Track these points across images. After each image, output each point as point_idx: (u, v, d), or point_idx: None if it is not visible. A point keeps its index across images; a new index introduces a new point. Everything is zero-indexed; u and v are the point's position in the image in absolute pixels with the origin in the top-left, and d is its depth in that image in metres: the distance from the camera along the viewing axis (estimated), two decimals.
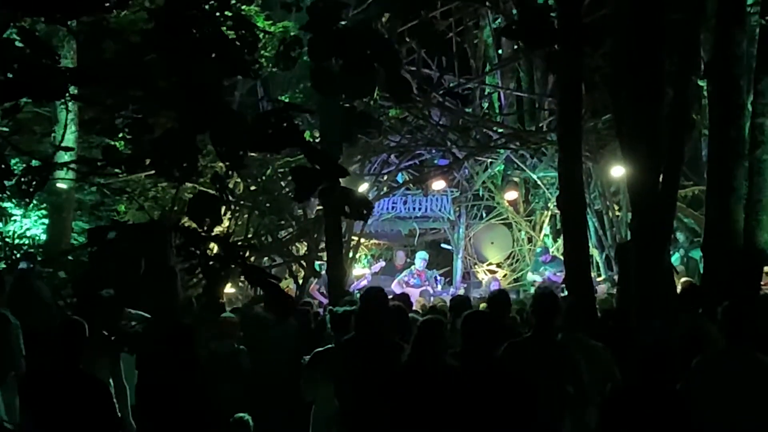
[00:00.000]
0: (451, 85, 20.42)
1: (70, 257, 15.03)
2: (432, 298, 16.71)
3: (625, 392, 6.53)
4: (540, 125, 20.26)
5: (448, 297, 14.80)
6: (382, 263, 19.62)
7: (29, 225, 17.90)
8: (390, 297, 12.12)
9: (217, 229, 6.03)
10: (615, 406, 6.42)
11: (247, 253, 16.89)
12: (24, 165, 5.75)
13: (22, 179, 5.58)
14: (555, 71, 15.21)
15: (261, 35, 15.32)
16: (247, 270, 5.45)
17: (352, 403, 7.25)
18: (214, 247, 5.65)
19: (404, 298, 11.30)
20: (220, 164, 7.17)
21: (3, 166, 5.58)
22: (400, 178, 20.72)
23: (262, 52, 14.60)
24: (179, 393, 7.78)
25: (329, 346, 7.98)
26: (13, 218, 17.64)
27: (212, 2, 5.53)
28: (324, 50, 5.79)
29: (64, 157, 7.69)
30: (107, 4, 5.75)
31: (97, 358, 8.26)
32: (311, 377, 8.13)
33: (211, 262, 5.29)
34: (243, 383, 9.40)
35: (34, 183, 5.62)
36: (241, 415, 8.72)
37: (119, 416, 7.23)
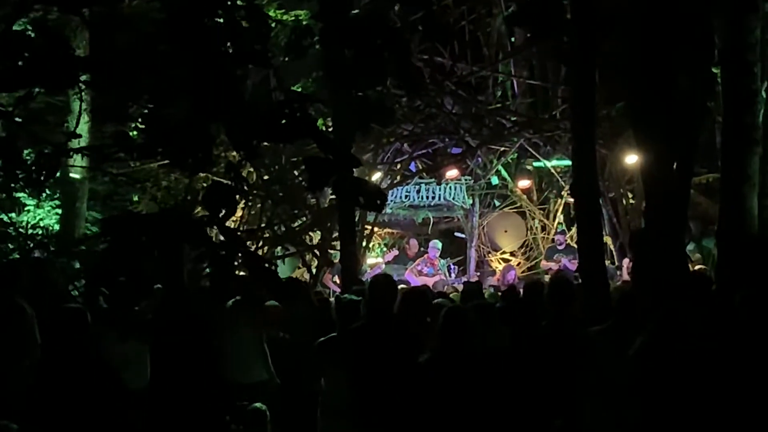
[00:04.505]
0: (464, 73, 20.32)
1: (83, 247, 15.05)
2: (445, 287, 16.67)
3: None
4: (553, 113, 20.18)
5: (461, 286, 14.75)
6: (395, 252, 19.56)
7: (42, 215, 17.95)
8: (406, 285, 12.12)
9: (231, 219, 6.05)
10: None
11: (261, 242, 16.94)
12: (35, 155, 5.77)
13: (33, 168, 5.59)
14: (564, 63, 15.15)
15: (273, 24, 15.31)
16: (248, 257, 5.45)
17: (366, 393, 7.20)
18: None
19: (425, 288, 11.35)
20: (234, 154, 7.15)
21: (15, 155, 5.59)
22: (413, 167, 20.66)
23: (275, 39, 14.57)
24: (193, 382, 7.82)
25: (333, 335, 7.91)
26: (26, 208, 17.69)
27: None
28: (335, 40, 5.77)
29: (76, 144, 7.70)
30: None
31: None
32: (317, 367, 8.08)
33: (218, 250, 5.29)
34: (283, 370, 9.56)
35: (44, 172, 5.63)
36: (258, 405, 8.74)
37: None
